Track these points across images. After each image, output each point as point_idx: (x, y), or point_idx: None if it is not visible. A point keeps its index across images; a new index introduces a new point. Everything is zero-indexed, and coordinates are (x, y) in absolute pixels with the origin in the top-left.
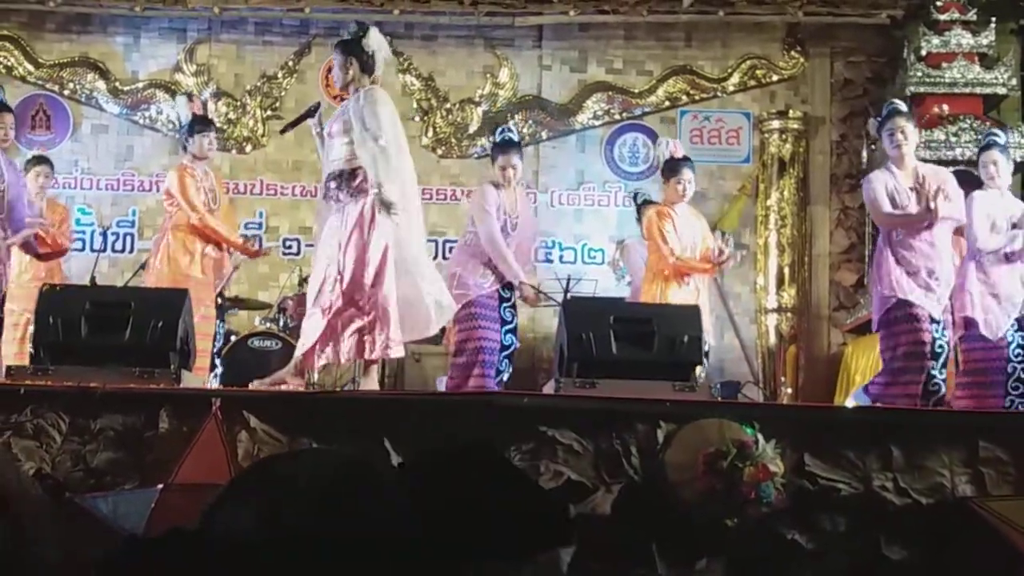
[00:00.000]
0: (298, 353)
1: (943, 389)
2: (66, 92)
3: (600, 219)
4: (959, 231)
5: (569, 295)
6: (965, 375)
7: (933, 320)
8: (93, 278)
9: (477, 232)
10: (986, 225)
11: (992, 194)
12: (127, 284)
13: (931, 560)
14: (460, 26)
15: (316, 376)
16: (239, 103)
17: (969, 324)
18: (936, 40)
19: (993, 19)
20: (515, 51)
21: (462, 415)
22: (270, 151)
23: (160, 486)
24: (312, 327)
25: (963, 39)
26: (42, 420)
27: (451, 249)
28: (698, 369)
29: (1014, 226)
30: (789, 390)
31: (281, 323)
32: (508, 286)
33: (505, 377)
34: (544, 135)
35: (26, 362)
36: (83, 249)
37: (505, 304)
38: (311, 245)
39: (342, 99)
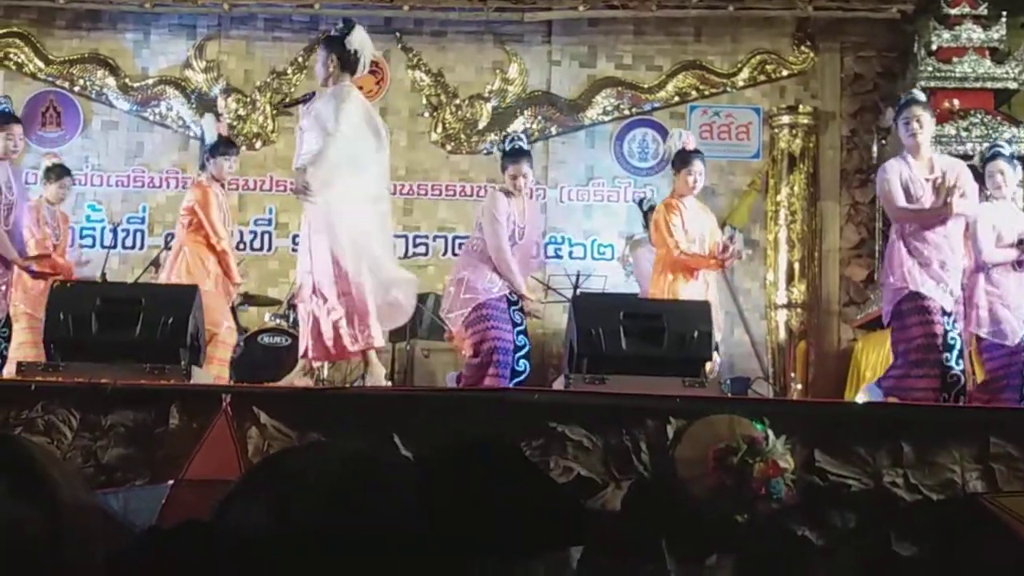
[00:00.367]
0: (300, 355)
1: (963, 380)
2: (76, 89)
3: (609, 215)
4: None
5: (578, 291)
6: (985, 384)
7: (945, 312)
8: (104, 274)
9: (485, 239)
10: (991, 237)
11: (999, 205)
12: (137, 280)
13: (942, 556)
14: (469, 22)
15: (326, 373)
16: (249, 99)
17: (980, 337)
18: (947, 34)
19: (1004, 13)
20: (524, 47)
21: (472, 411)
22: (280, 147)
23: (171, 482)
24: (302, 329)
25: (974, 33)
26: (53, 416)
27: (460, 245)
28: (708, 365)
29: (1021, 241)
30: (799, 386)
31: (291, 319)
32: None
33: (523, 377)
34: (553, 131)
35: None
36: (93, 245)
37: (514, 307)
38: None
39: None
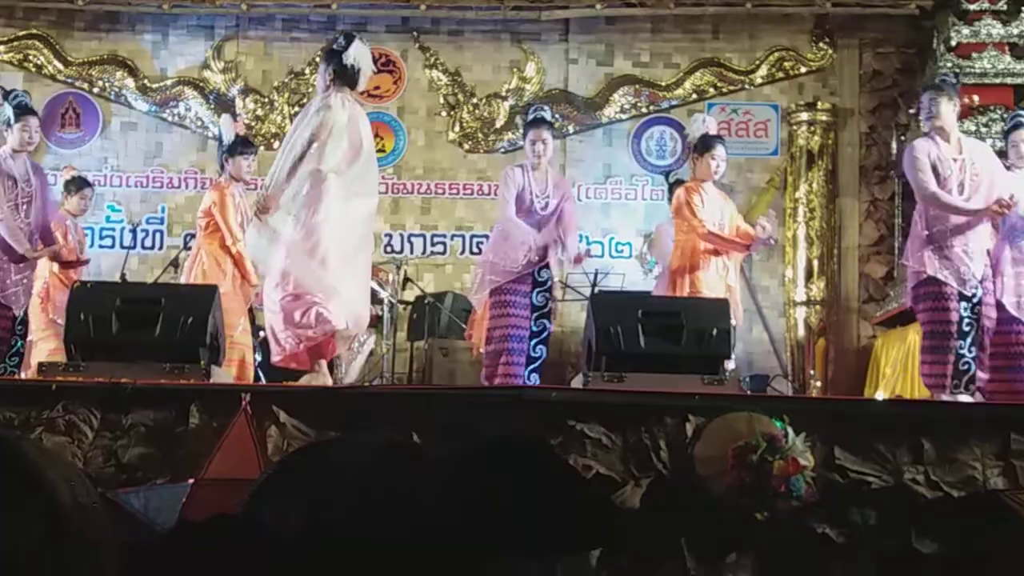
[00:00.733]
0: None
1: (973, 367)
2: (95, 90)
3: (627, 213)
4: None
5: (596, 289)
6: (994, 358)
7: (963, 297)
8: (123, 275)
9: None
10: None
11: (1021, 175)
12: (157, 281)
13: (962, 553)
14: (487, 21)
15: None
16: (267, 100)
17: (1000, 307)
18: (966, 30)
19: (1023, 8)
20: (542, 45)
21: (490, 409)
22: None
23: (191, 481)
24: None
25: (993, 29)
26: (74, 416)
27: (479, 244)
28: (727, 362)
29: None
30: (818, 383)
31: None
32: (542, 269)
33: (539, 364)
34: (571, 129)
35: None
36: (113, 246)
37: (538, 289)
38: None
39: (367, 94)
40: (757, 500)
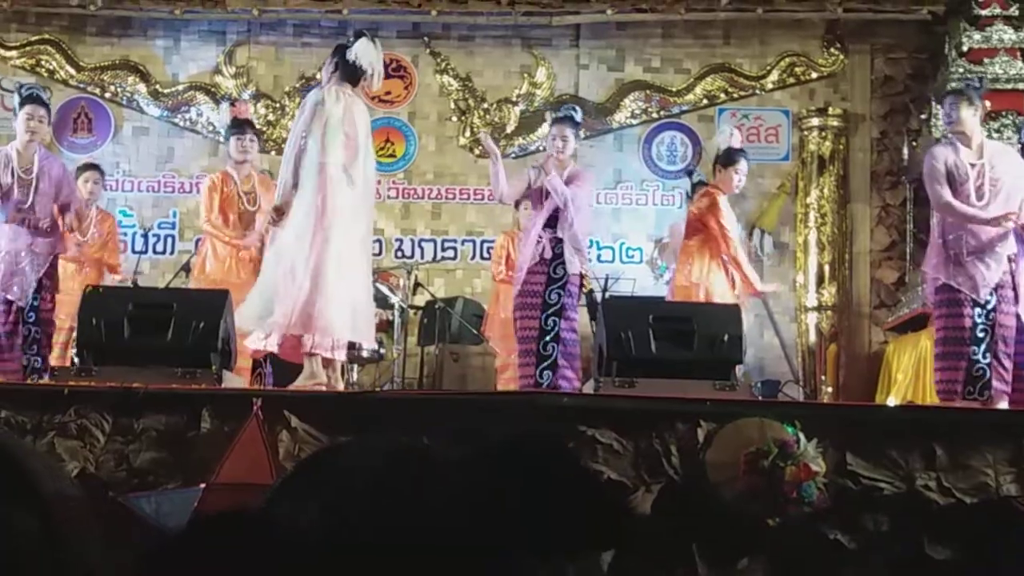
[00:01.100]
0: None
1: (988, 374)
2: (107, 95)
3: (638, 218)
4: None
5: (607, 294)
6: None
7: (977, 303)
8: (135, 279)
9: None
10: None
11: None
12: (168, 285)
13: (975, 560)
14: (497, 26)
15: (356, 376)
16: (278, 105)
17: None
18: (977, 36)
19: None
20: (552, 50)
21: (501, 414)
22: None
23: (202, 485)
24: None
25: (1005, 34)
26: (86, 420)
27: (488, 249)
28: (738, 368)
29: None
30: (830, 389)
31: None
32: (558, 267)
33: (548, 363)
34: (581, 134)
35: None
36: (124, 251)
37: (553, 286)
38: None
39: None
40: (769, 506)
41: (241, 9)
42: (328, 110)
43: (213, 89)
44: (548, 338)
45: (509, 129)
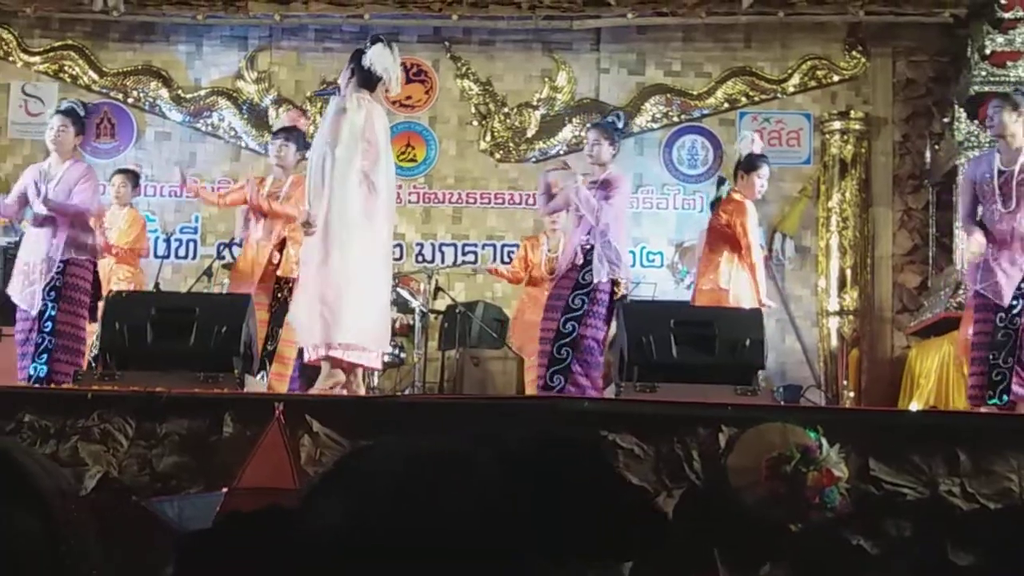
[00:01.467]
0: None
1: (1008, 378)
2: (130, 100)
3: (659, 222)
4: None
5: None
6: None
7: (1000, 309)
8: (157, 284)
9: None
10: None
11: None
12: (191, 290)
13: (999, 566)
14: (518, 30)
15: (376, 380)
16: (300, 110)
17: None
18: (1000, 39)
19: None
20: (573, 54)
21: (523, 419)
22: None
23: (225, 489)
24: None
25: None
26: (109, 424)
27: (509, 253)
28: (760, 373)
29: None
30: (851, 394)
31: None
32: (586, 273)
33: (560, 367)
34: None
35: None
36: (147, 256)
37: (578, 291)
38: None
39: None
40: (791, 511)
41: (263, 14)
42: (350, 118)
43: (235, 94)
44: (563, 342)
45: (530, 133)
